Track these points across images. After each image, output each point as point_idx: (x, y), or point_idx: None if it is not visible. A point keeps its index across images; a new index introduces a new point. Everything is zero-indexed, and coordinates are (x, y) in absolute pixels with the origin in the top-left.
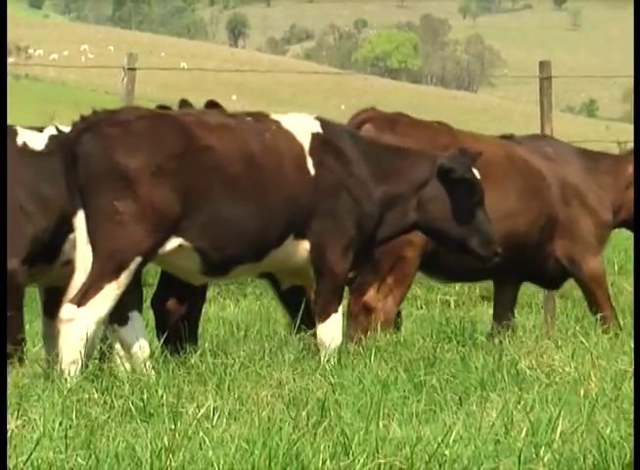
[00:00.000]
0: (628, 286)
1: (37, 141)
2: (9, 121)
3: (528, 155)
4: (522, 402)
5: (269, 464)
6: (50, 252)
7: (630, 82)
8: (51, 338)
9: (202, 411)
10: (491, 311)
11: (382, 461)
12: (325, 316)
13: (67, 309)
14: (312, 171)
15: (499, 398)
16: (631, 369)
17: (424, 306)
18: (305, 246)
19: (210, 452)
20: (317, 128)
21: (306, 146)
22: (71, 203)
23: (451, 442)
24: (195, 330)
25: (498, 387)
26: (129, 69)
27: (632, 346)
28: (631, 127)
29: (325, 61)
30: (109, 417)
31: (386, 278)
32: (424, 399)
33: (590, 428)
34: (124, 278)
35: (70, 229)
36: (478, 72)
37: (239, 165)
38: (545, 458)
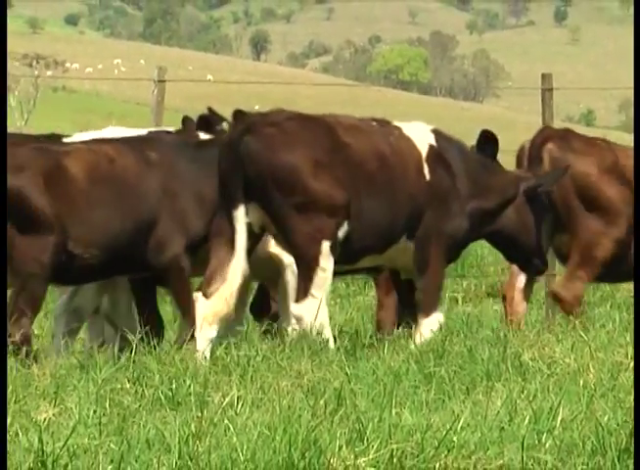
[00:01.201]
0: (624, 284)
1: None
2: (48, 130)
3: None
4: (525, 392)
5: (289, 449)
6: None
7: (626, 94)
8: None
9: (226, 400)
10: (496, 307)
11: (394, 447)
12: (429, 312)
13: (295, 309)
14: (427, 177)
15: (504, 387)
16: (627, 361)
17: None
18: (411, 246)
19: (234, 438)
20: (432, 139)
21: (424, 153)
22: (234, 197)
23: (459, 428)
24: None
25: (503, 377)
26: (159, 81)
27: (628, 340)
28: (626, 136)
29: (341, 73)
30: (140, 406)
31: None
32: (433, 389)
33: (589, 416)
34: (324, 262)
35: None
36: (483, 85)
37: (373, 163)
38: (547, 444)
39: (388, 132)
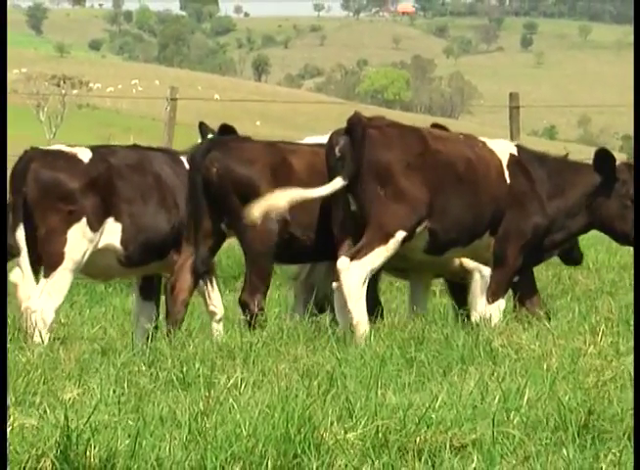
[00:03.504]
0: (582, 278)
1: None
2: (74, 143)
3: None
4: (495, 374)
5: (286, 425)
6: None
7: (584, 111)
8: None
9: (231, 381)
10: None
11: (379, 423)
12: (494, 299)
13: (342, 261)
14: (508, 181)
15: (476, 370)
16: (585, 347)
17: None
18: (491, 242)
19: (238, 416)
20: (514, 151)
21: (504, 161)
22: (343, 174)
23: (437, 407)
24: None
25: (475, 361)
26: (172, 99)
27: (586, 328)
28: (584, 148)
29: (333, 93)
30: (154, 386)
31: None
32: (414, 372)
33: (552, 396)
34: (392, 245)
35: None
36: (459, 103)
37: (458, 167)
38: (515, 421)
39: (474, 144)
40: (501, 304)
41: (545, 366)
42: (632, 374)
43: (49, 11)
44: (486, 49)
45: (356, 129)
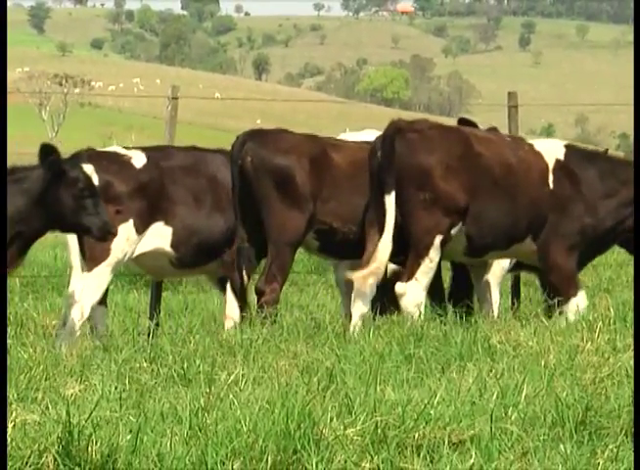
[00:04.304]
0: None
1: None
2: (75, 141)
3: None
4: (493, 371)
5: (286, 421)
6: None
7: (581, 110)
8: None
9: (232, 378)
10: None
11: (378, 419)
12: (567, 300)
13: (399, 286)
14: (551, 186)
15: (474, 367)
16: (582, 344)
17: None
18: (534, 247)
19: (239, 412)
20: (561, 154)
21: (550, 165)
22: (386, 186)
23: (435, 403)
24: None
25: (474, 358)
26: (173, 98)
27: (584, 325)
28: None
29: (333, 92)
30: (155, 383)
31: None
32: (413, 368)
33: (549, 392)
34: (434, 253)
35: None
36: (457, 102)
37: (500, 170)
38: (513, 417)
39: (519, 146)
40: (578, 300)
41: (543, 363)
42: (629, 371)
43: (51, 10)
44: (485, 48)
45: (387, 137)
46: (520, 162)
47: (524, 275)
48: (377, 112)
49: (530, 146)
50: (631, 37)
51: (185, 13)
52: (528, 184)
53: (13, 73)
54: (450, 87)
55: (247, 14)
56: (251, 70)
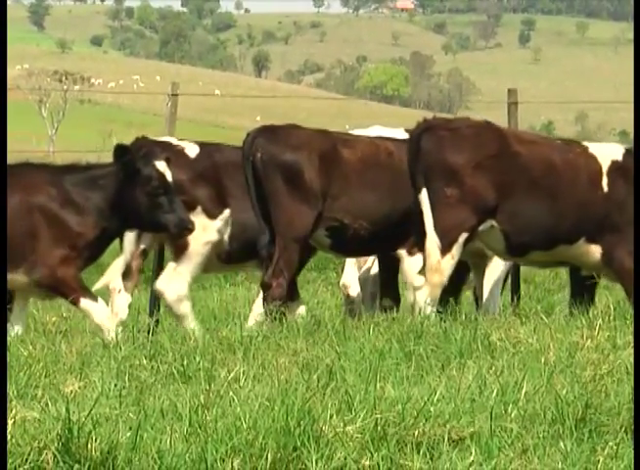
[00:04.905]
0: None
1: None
2: (75, 138)
3: None
4: (493, 368)
5: (286, 418)
6: None
7: (581, 107)
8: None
9: (231, 375)
10: (468, 293)
11: (378, 416)
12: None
13: (417, 279)
14: (605, 189)
15: (474, 364)
16: (582, 341)
17: None
18: (597, 249)
19: (238, 409)
20: (619, 156)
21: (604, 168)
22: (416, 183)
23: (435, 400)
24: None
25: (474, 355)
26: (173, 95)
27: (584, 322)
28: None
29: (332, 89)
30: (155, 380)
31: None
32: (413, 366)
33: (549, 389)
34: (456, 250)
35: None
36: (457, 99)
37: (540, 171)
38: (512, 414)
39: (569, 149)
40: None
41: (543, 360)
42: (629, 368)
43: (51, 7)
44: (485, 45)
45: (415, 135)
46: (565, 163)
47: (523, 272)
48: (376, 109)
49: (584, 149)
50: (631, 35)
51: (185, 10)
52: (575, 186)
53: (12, 70)
54: (450, 84)
55: (246, 11)
56: (250, 66)
